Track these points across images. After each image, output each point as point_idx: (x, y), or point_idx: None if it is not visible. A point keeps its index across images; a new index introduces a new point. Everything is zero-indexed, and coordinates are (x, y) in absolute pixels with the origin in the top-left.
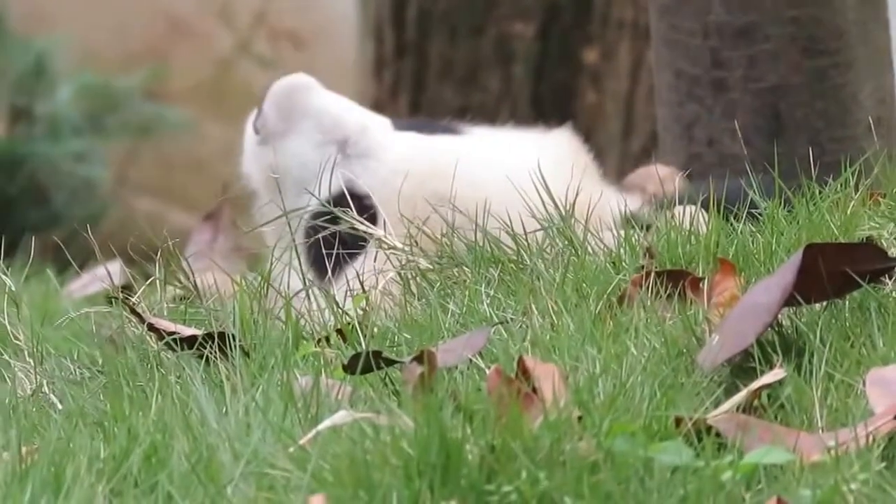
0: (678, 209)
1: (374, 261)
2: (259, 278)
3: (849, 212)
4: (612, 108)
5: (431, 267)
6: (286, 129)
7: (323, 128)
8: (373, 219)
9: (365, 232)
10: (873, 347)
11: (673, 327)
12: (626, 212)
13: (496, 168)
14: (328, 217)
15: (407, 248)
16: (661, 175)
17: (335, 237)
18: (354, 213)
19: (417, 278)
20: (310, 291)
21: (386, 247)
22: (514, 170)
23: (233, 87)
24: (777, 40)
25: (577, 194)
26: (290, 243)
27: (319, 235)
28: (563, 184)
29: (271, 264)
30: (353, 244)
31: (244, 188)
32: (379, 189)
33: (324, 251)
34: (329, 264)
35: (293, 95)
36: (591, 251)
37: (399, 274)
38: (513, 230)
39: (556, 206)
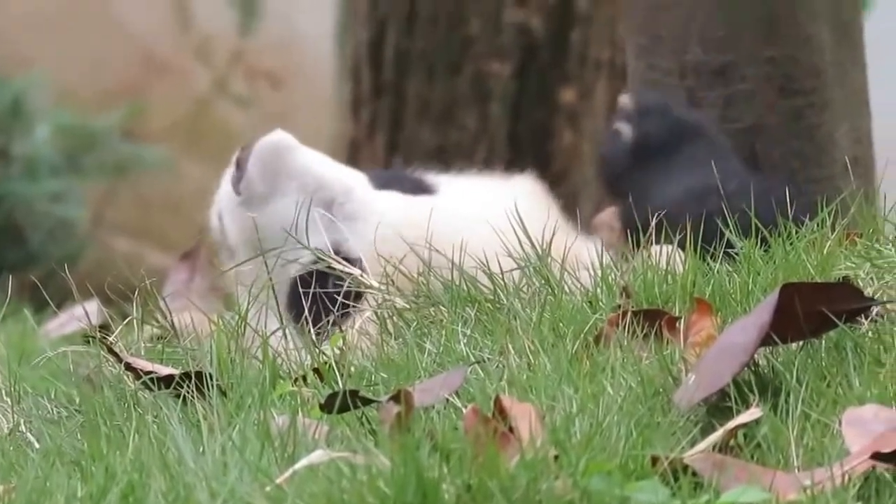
0: (655, 248)
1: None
2: (236, 318)
3: (825, 252)
4: (589, 149)
5: (408, 306)
6: (270, 190)
7: (308, 189)
8: (362, 278)
9: (343, 272)
10: (849, 387)
11: (649, 367)
12: (601, 253)
13: (478, 226)
14: (317, 274)
15: (383, 288)
16: (604, 218)
17: (323, 297)
18: (339, 267)
19: (394, 317)
20: (287, 331)
21: (363, 287)
22: (493, 224)
23: (210, 125)
24: (753, 80)
25: (553, 234)
26: (267, 285)
27: (313, 290)
28: (535, 228)
29: (248, 304)
30: (342, 305)
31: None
32: (368, 251)
33: (312, 307)
34: (314, 318)
35: (276, 156)
36: (567, 290)
37: (375, 313)
38: (489, 269)
39: (533, 246)
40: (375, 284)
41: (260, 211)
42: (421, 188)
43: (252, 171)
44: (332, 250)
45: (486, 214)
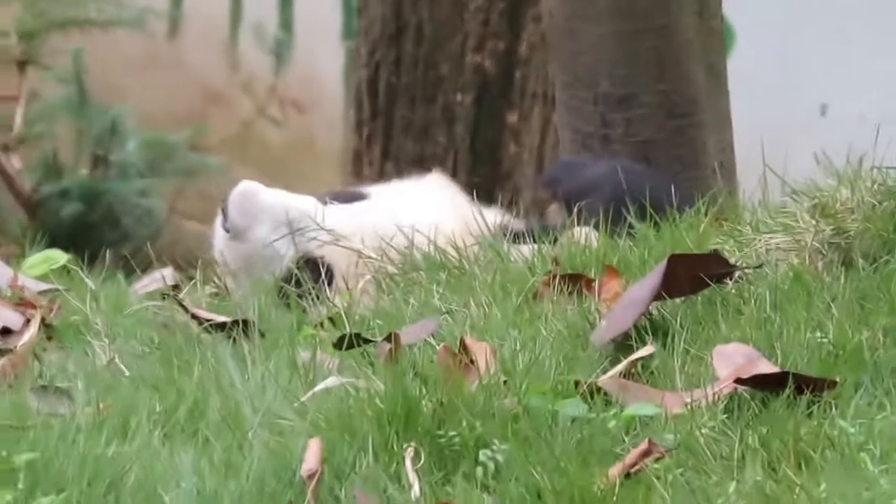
0: (576, 229)
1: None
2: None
3: (701, 231)
4: (528, 157)
5: (397, 272)
6: (249, 224)
7: (275, 217)
8: (330, 272)
9: (345, 247)
10: (718, 330)
11: (573, 316)
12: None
13: (401, 215)
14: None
15: (378, 258)
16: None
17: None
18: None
19: (387, 280)
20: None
21: (365, 256)
22: (411, 212)
23: (253, 141)
24: (648, 106)
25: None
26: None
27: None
28: (455, 208)
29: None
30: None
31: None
32: (327, 251)
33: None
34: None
35: (246, 200)
36: (512, 260)
37: (373, 277)
38: (456, 245)
39: (488, 228)
40: (374, 256)
41: (244, 240)
42: (357, 197)
43: (233, 214)
44: (303, 255)
45: (403, 206)
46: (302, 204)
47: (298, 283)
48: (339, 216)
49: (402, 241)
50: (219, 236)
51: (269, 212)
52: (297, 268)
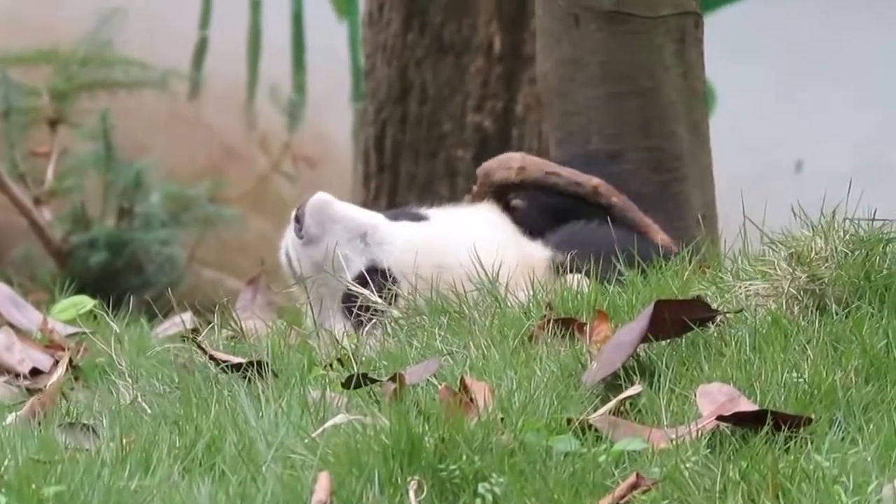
0: (570, 277)
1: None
2: (284, 324)
3: (684, 279)
4: None
5: (401, 316)
6: (322, 232)
7: (348, 228)
8: (394, 284)
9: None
10: (701, 371)
11: (566, 357)
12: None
13: (462, 236)
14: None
15: (384, 304)
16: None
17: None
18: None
19: (392, 324)
20: (319, 333)
21: (371, 303)
22: (473, 233)
23: (268, 194)
24: (635, 162)
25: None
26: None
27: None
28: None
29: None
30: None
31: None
32: (395, 264)
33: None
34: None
35: (322, 209)
36: (510, 305)
37: (379, 321)
38: (456, 291)
39: (487, 275)
40: (379, 301)
41: (317, 247)
42: (419, 217)
43: (308, 221)
44: (370, 265)
45: (467, 228)
46: (373, 218)
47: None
48: (407, 231)
49: (465, 257)
50: (290, 241)
51: (342, 222)
52: (366, 277)
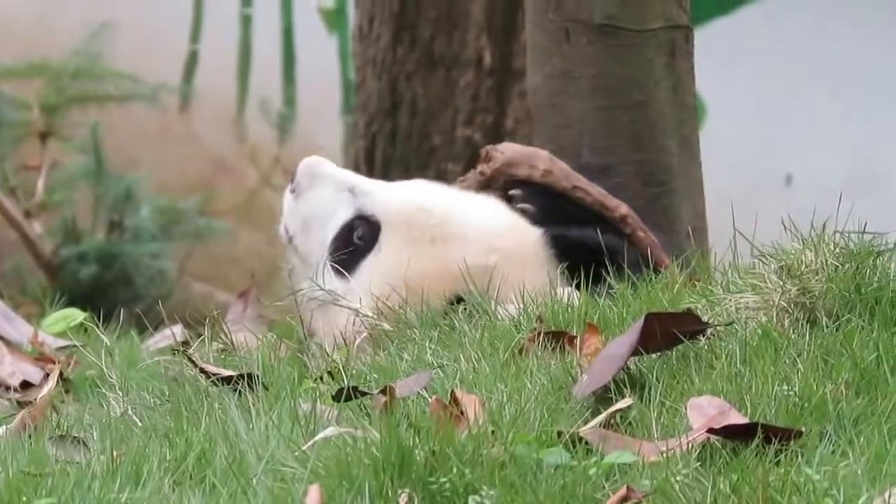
0: (560, 290)
1: (353, 324)
2: (275, 337)
3: (675, 291)
4: None
5: (392, 329)
6: (312, 185)
7: (337, 183)
8: (377, 229)
9: (348, 307)
10: (692, 384)
11: (556, 370)
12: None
13: (452, 194)
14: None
15: (374, 316)
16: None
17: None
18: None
19: (382, 337)
20: (312, 344)
21: (361, 315)
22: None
23: (258, 207)
24: (626, 175)
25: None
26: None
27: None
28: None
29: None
30: (369, 244)
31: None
32: (380, 210)
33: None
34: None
35: (315, 166)
36: (500, 318)
37: (369, 334)
38: (447, 304)
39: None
40: (370, 314)
41: (305, 198)
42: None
43: (300, 176)
44: (357, 214)
45: (471, 201)
46: (361, 178)
47: (346, 245)
48: (395, 187)
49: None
50: (286, 203)
51: (331, 177)
52: (352, 225)
